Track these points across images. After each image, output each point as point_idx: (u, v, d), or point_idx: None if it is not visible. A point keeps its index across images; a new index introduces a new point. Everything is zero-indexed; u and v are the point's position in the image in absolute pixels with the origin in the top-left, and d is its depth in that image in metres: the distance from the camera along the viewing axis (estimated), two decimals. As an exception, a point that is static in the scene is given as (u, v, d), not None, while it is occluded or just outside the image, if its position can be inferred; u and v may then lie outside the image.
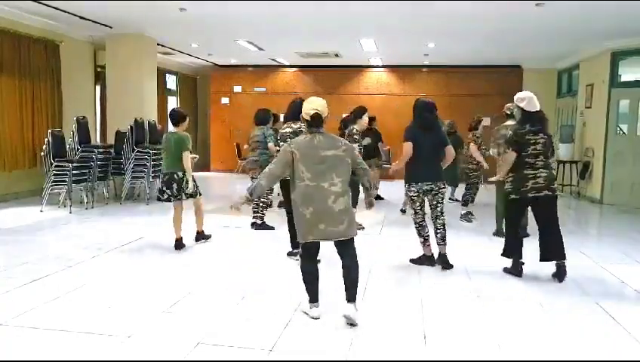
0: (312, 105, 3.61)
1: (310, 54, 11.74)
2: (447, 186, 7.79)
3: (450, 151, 4.96)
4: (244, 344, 3.15)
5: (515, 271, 4.76)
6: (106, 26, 8.96)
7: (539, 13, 7.17)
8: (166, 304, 3.79)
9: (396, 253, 5.40)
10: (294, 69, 13.80)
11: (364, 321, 3.56)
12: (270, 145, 6.57)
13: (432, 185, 4.88)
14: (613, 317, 3.74)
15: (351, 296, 3.55)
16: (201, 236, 5.83)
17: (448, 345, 3.22)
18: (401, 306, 3.89)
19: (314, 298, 3.65)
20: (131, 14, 8.17)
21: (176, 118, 5.57)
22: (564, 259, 4.63)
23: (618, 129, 9.58)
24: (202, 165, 14.58)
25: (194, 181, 5.56)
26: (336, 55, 11.75)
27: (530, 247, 5.92)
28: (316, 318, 3.57)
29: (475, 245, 5.85)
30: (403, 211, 8.08)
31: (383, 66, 13.43)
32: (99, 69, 10.35)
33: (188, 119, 5.67)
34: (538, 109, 4.67)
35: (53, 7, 7.74)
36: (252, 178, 6.77)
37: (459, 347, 3.21)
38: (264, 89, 13.95)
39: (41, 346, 3.07)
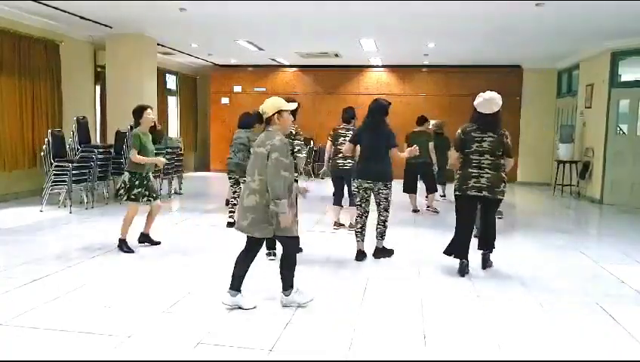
0: (261, 105, 3.77)
1: (310, 54, 11.74)
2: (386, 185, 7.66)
3: (394, 153, 5.06)
4: (244, 344, 3.15)
5: (459, 271, 4.75)
6: (106, 26, 8.96)
7: (539, 13, 7.17)
8: (166, 304, 3.79)
9: (395, 252, 5.39)
10: (294, 68, 13.80)
11: (364, 321, 3.57)
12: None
13: (372, 184, 5.08)
14: (613, 317, 3.74)
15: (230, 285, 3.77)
16: (144, 238, 5.55)
17: (448, 345, 3.22)
18: (401, 306, 3.89)
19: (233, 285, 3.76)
20: (131, 14, 8.17)
21: (133, 114, 5.34)
22: (490, 250, 4.98)
23: (618, 129, 9.59)
24: (202, 165, 14.61)
25: (131, 182, 5.24)
26: (336, 55, 11.75)
27: (526, 249, 5.93)
28: (225, 303, 3.71)
29: (474, 245, 5.83)
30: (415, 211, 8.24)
31: (383, 66, 13.43)
32: (99, 69, 10.35)
33: (144, 114, 5.29)
34: (489, 113, 4.62)
35: (54, 7, 7.73)
36: (229, 178, 6.74)
37: (459, 347, 3.21)
38: (264, 89, 13.94)
39: (41, 346, 3.07)
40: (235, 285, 3.74)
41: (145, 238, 5.61)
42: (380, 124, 5.12)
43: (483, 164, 4.63)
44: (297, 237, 3.81)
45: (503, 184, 4.68)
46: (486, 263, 4.96)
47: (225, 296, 3.75)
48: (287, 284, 3.79)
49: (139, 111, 5.32)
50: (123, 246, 5.32)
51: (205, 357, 2.97)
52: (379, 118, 5.14)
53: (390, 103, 5.28)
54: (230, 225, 6.68)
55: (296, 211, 3.85)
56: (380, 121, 5.13)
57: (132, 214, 5.34)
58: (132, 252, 5.28)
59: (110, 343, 3.11)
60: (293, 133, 5.22)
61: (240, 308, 3.70)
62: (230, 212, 6.76)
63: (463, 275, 4.70)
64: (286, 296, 3.79)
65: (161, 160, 5.48)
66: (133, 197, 5.27)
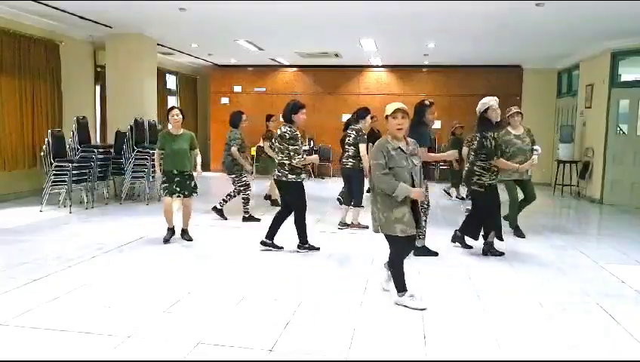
0: None
1: (310, 54, 11.74)
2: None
3: (420, 153, 5.16)
4: (244, 344, 3.15)
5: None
6: (106, 26, 8.96)
7: (539, 13, 7.17)
8: (166, 304, 3.79)
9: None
10: (294, 69, 13.80)
11: (364, 321, 3.57)
12: (233, 149, 6.92)
13: None
14: (613, 317, 3.74)
15: None
16: (182, 233, 5.94)
17: (448, 345, 3.22)
18: (401, 306, 3.89)
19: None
20: (131, 14, 8.17)
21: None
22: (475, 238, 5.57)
23: (618, 129, 9.59)
24: (202, 165, 14.58)
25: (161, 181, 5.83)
26: (336, 55, 11.75)
27: (526, 248, 5.94)
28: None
29: (475, 244, 5.83)
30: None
31: (383, 66, 13.43)
32: (99, 69, 10.35)
33: (169, 116, 5.80)
34: (478, 115, 5.31)
35: (54, 7, 7.74)
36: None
37: (459, 347, 3.21)
38: (264, 89, 13.95)
39: (41, 346, 3.07)
40: (399, 287, 3.90)
41: (182, 234, 5.92)
42: (414, 126, 5.01)
43: (474, 162, 5.30)
44: (400, 238, 3.76)
45: (476, 177, 5.27)
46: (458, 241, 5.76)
47: (394, 297, 3.92)
48: (397, 286, 3.92)
49: (166, 113, 5.89)
50: (166, 235, 5.80)
51: (205, 357, 2.97)
52: (414, 120, 5.04)
53: (425, 104, 5.22)
54: (245, 219, 7.10)
55: (401, 209, 3.74)
56: (414, 123, 5.01)
57: (164, 207, 5.79)
58: (166, 242, 5.70)
59: (110, 343, 3.11)
60: (288, 135, 5.21)
61: (406, 307, 3.81)
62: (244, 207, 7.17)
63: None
64: (398, 296, 3.90)
65: (157, 171, 5.87)
66: (161, 192, 5.91)
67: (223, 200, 7.29)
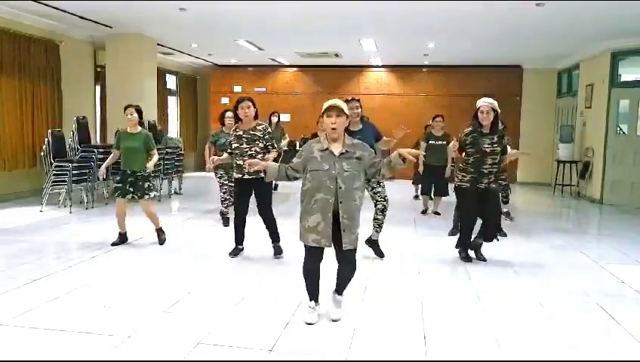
0: None
1: (310, 54, 11.74)
2: None
3: None
4: (244, 344, 3.14)
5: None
6: (106, 26, 8.96)
7: (539, 13, 7.17)
8: (166, 304, 3.79)
9: (395, 252, 5.39)
10: (294, 69, 13.81)
11: (364, 321, 3.56)
12: (206, 146, 7.23)
13: None
14: (613, 317, 3.74)
15: None
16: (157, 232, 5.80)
17: (448, 345, 3.22)
18: (401, 306, 3.89)
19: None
20: (131, 14, 8.18)
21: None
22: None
23: (618, 129, 9.59)
24: (202, 165, 14.59)
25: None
26: (336, 55, 11.75)
27: (526, 249, 5.93)
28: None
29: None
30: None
31: (383, 66, 13.43)
32: (99, 69, 10.35)
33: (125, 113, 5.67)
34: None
35: (54, 7, 7.74)
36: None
37: (459, 347, 3.21)
38: (264, 89, 13.96)
39: (41, 346, 3.07)
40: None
41: (157, 235, 5.76)
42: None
43: None
44: (305, 246, 3.51)
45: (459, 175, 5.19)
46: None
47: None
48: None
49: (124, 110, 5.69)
50: (116, 239, 5.62)
51: (205, 357, 2.97)
52: None
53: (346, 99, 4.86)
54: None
55: (309, 219, 3.43)
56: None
57: (116, 210, 5.59)
58: (116, 244, 5.53)
59: (110, 343, 3.11)
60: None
61: None
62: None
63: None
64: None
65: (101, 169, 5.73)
66: (114, 192, 5.61)
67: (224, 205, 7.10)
